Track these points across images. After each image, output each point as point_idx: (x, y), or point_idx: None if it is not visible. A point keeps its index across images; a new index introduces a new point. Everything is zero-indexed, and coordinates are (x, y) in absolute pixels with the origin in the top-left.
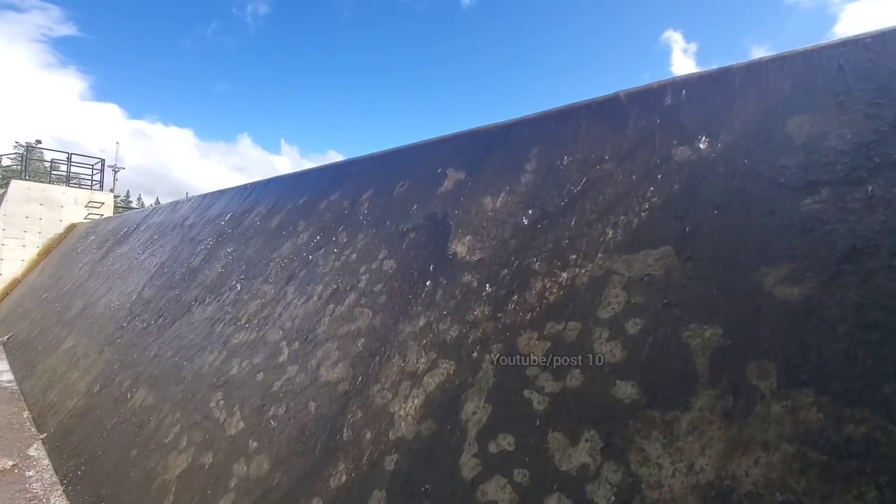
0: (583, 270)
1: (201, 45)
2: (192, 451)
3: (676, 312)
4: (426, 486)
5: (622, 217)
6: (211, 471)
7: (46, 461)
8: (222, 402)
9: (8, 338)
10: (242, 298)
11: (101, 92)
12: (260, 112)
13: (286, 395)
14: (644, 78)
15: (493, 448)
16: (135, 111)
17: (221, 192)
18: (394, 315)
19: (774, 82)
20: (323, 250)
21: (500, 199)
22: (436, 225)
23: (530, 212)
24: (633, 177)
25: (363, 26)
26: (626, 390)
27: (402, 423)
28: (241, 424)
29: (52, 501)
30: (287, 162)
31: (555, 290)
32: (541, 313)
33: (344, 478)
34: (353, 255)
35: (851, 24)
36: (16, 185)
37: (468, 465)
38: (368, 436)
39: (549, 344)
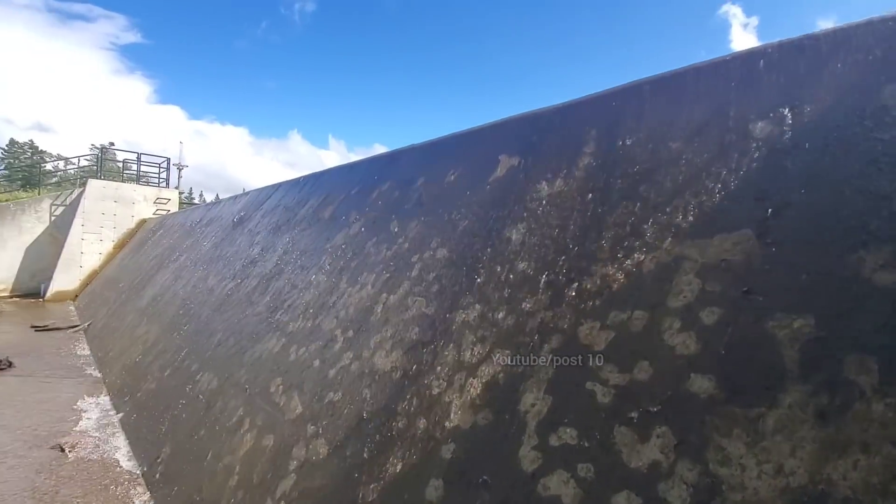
0: (650, 257)
1: (252, 45)
2: (255, 433)
3: (759, 301)
4: (484, 478)
5: (693, 199)
6: (272, 453)
7: (123, 438)
8: (281, 387)
9: (88, 325)
10: (298, 287)
11: (165, 95)
12: (309, 108)
13: (342, 381)
14: (700, 55)
15: (554, 441)
16: (195, 112)
17: (276, 186)
18: (447, 304)
19: (865, 48)
20: (375, 240)
21: (557, 183)
22: (489, 212)
23: (590, 196)
24: (706, 155)
25: (409, 21)
26: (701, 384)
27: (458, 413)
28: (300, 409)
29: (128, 476)
30: (334, 156)
31: (618, 278)
32: (603, 302)
33: (400, 465)
34: (406, 245)
35: None
36: (93, 184)
37: (528, 457)
38: (424, 424)
39: (613, 334)
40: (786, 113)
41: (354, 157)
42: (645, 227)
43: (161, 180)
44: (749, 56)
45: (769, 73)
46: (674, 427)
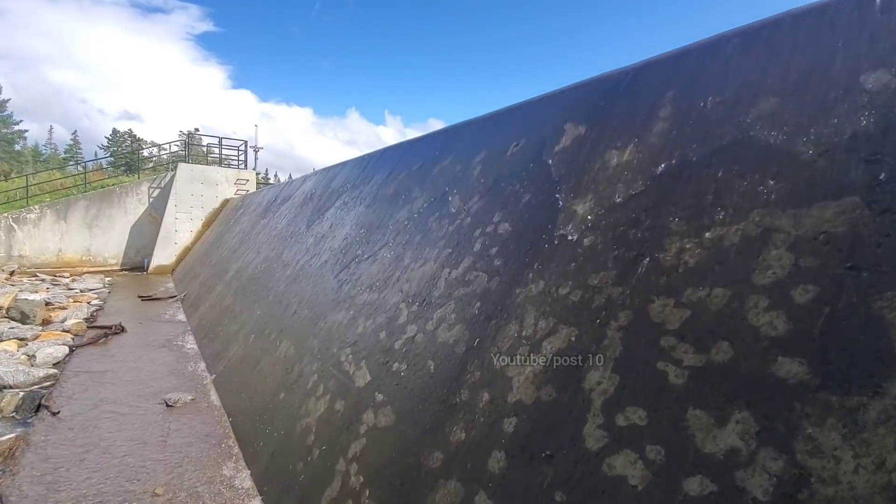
0: (733, 229)
1: (307, 27)
2: (328, 398)
3: (866, 278)
4: (547, 452)
5: (788, 164)
6: (344, 417)
7: (216, 396)
8: (351, 356)
9: (184, 295)
10: (364, 262)
11: (237, 80)
12: (364, 86)
13: (407, 353)
14: (765, 4)
15: (621, 421)
16: (264, 94)
17: (343, 164)
18: (510, 279)
19: None
20: (437, 215)
21: (628, 151)
22: (554, 184)
23: (664, 165)
24: (805, 115)
25: None
26: (791, 368)
27: (521, 388)
28: (368, 378)
29: (222, 430)
30: (391, 132)
31: (696, 253)
32: (678, 278)
33: (463, 435)
34: (468, 219)
35: None
36: (183, 168)
37: (593, 435)
38: (486, 397)
39: (688, 312)
40: None
41: (410, 132)
42: (728, 196)
43: (240, 162)
44: None
45: (888, 13)
46: (756, 413)
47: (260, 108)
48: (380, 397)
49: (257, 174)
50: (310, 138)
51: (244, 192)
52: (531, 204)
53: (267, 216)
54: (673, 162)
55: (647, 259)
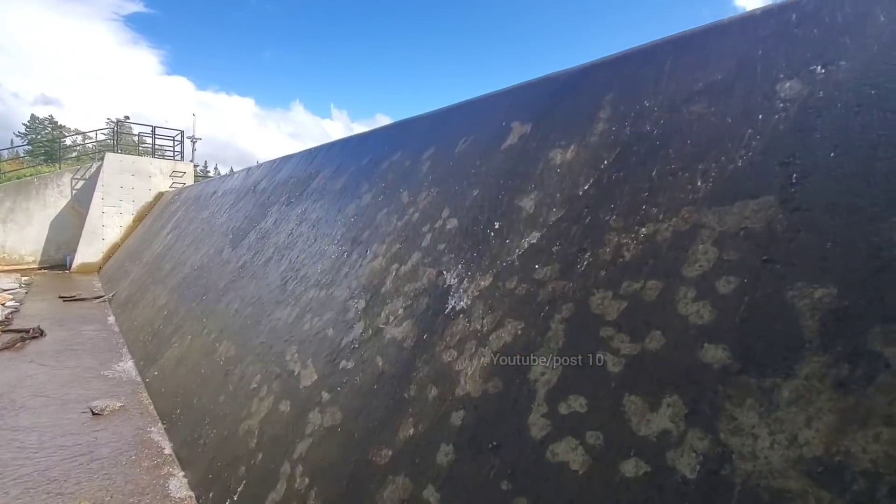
0: (665, 225)
1: (248, 14)
2: (272, 399)
3: (779, 270)
4: (494, 443)
5: (713, 165)
6: (289, 418)
7: (149, 402)
8: (297, 355)
9: (112, 295)
10: (311, 258)
11: (171, 65)
12: (310, 79)
13: (355, 350)
14: (702, 14)
15: (563, 409)
16: (201, 82)
17: (289, 158)
18: (458, 274)
19: None
20: (386, 210)
21: (571, 150)
22: (500, 181)
23: (605, 163)
24: (728, 119)
25: None
26: (715, 354)
27: (468, 381)
28: (315, 376)
29: (156, 437)
30: (338, 126)
31: (632, 247)
32: (616, 272)
33: (412, 430)
34: (416, 215)
35: None
36: (110, 158)
37: (537, 424)
38: (434, 392)
39: (625, 304)
40: (818, 70)
41: (358, 127)
42: (661, 194)
43: (175, 153)
44: (780, 10)
45: (802, 27)
46: (685, 397)
47: (197, 97)
48: (327, 396)
49: (195, 166)
50: (252, 130)
51: (181, 185)
52: (479, 200)
53: (206, 211)
54: (612, 161)
55: (588, 254)
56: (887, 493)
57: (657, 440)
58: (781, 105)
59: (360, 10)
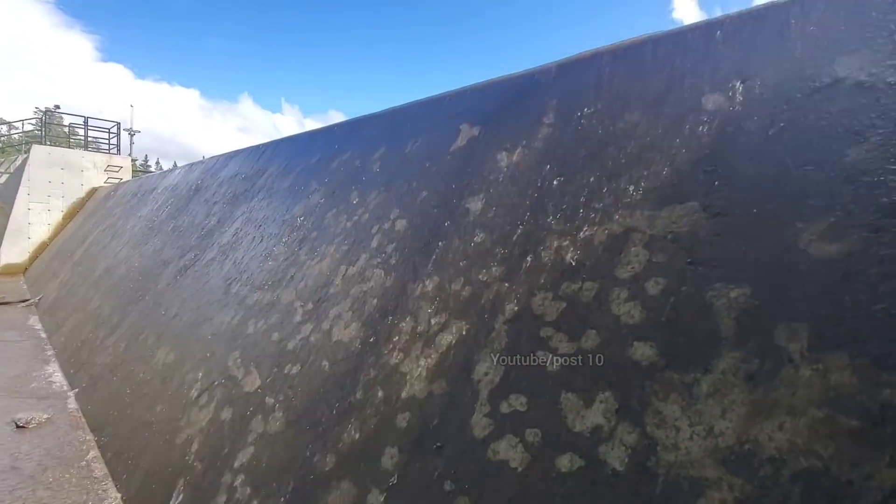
0: (602, 228)
1: (191, 1)
2: (213, 406)
3: (701, 271)
4: (438, 444)
5: (646, 171)
6: (231, 425)
7: (79, 413)
8: (239, 360)
9: (39, 299)
10: (256, 259)
11: (108, 52)
12: (260, 71)
13: (301, 354)
14: (643, 23)
15: (504, 408)
16: (141, 71)
17: (235, 153)
18: (406, 275)
19: (823, 18)
20: (335, 210)
21: (517, 154)
22: (449, 183)
23: (548, 167)
24: (660, 128)
25: None
26: (644, 352)
27: (415, 383)
28: (258, 382)
29: (86, 450)
30: (289, 121)
31: (572, 250)
32: (556, 273)
33: (357, 435)
34: (366, 216)
35: None
36: (37, 150)
37: (480, 424)
38: (381, 395)
39: (564, 304)
40: (737, 86)
41: (310, 123)
42: (599, 199)
43: (112, 146)
44: (707, 27)
45: (725, 44)
46: (616, 392)
47: (137, 87)
48: (270, 401)
49: (134, 161)
50: (197, 123)
51: (117, 181)
52: (428, 201)
53: (145, 208)
54: (555, 165)
55: (531, 256)
56: (790, 478)
57: (590, 435)
58: (706, 117)
59: (313, 2)
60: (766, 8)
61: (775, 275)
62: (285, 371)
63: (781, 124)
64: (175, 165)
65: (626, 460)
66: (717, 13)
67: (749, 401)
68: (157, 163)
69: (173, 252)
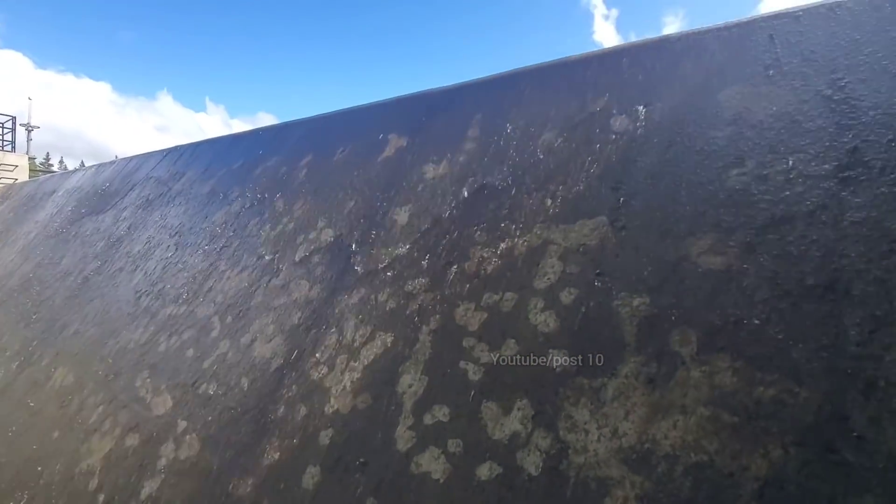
0: (521, 241)
1: None
2: (117, 432)
3: (608, 282)
4: (361, 460)
5: (561, 187)
6: (137, 453)
7: None
8: (149, 380)
9: None
10: (171, 270)
11: (4, 38)
12: (181, 66)
13: (217, 372)
14: (567, 44)
15: (428, 420)
16: (43, 60)
17: (149, 155)
18: (331, 286)
19: (710, 53)
20: (258, 219)
21: (442, 166)
22: (376, 193)
23: (471, 180)
24: (574, 146)
25: None
26: (558, 359)
27: (338, 398)
28: (170, 404)
29: None
30: (214, 121)
31: (493, 261)
32: (479, 284)
33: (277, 454)
34: (291, 225)
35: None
36: None
37: (403, 437)
38: (303, 411)
39: (486, 315)
40: (641, 109)
41: (238, 125)
42: (519, 211)
43: (5, 143)
44: (615, 53)
45: (631, 70)
46: (533, 399)
47: (37, 77)
48: (183, 425)
49: (32, 159)
50: (108, 119)
51: (11, 181)
52: (355, 211)
53: (42, 212)
54: (478, 178)
55: (455, 267)
56: (682, 473)
57: (508, 442)
58: (614, 137)
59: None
60: (662, 40)
61: (671, 284)
62: (200, 391)
63: (676, 147)
64: (83, 164)
65: (541, 465)
66: (633, 37)
67: (648, 402)
68: (61, 161)
69: (75, 262)
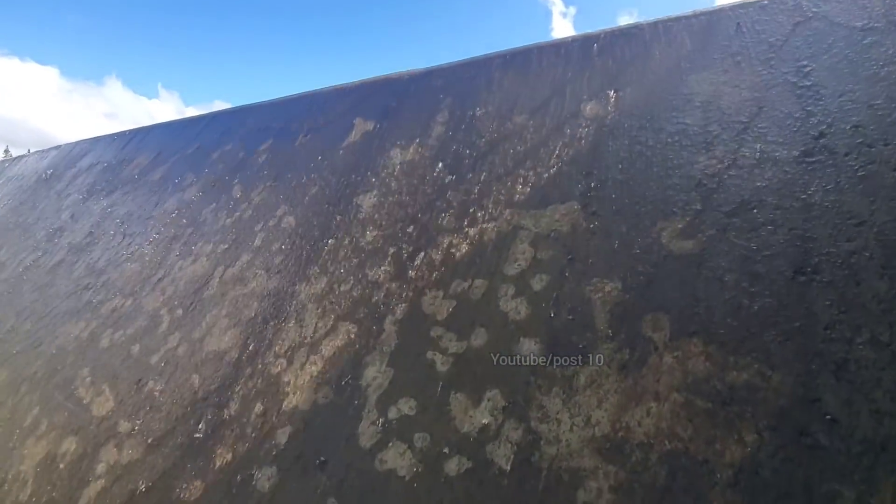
0: (491, 226)
1: None
2: (53, 436)
3: (580, 268)
4: (321, 458)
5: (531, 172)
6: (74, 458)
7: None
8: (89, 379)
9: None
10: (116, 261)
11: None
12: (130, 51)
13: (166, 368)
14: (526, 40)
15: (393, 413)
16: None
17: (95, 140)
18: (292, 276)
19: (679, 40)
20: (214, 206)
21: (410, 151)
22: (341, 178)
23: (440, 165)
24: (544, 131)
25: None
26: (529, 347)
27: (298, 393)
28: (111, 404)
29: None
30: (167, 108)
31: (462, 248)
32: (447, 271)
33: (230, 455)
34: (249, 212)
35: None
36: None
37: (367, 433)
38: (259, 408)
39: (454, 303)
40: (611, 95)
41: (193, 111)
42: (488, 197)
43: None
44: (585, 40)
45: (601, 56)
46: (503, 390)
47: None
48: (126, 426)
49: None
50: (56, 106)
51: None
52: (318, 197)
53: None
54: (448, 163)
55: (423, 254)
56: (657, 461)
57: (478, 435)
58: (584, 122)
59: None
60: (633, 27)
61: (642, 269)
62: (146, 389)
63: (646, 132)
64: (29, 152)
65: (512, 458)
66: None
67: (621, 389)
68: (7, 151)
69: (11, 253)
